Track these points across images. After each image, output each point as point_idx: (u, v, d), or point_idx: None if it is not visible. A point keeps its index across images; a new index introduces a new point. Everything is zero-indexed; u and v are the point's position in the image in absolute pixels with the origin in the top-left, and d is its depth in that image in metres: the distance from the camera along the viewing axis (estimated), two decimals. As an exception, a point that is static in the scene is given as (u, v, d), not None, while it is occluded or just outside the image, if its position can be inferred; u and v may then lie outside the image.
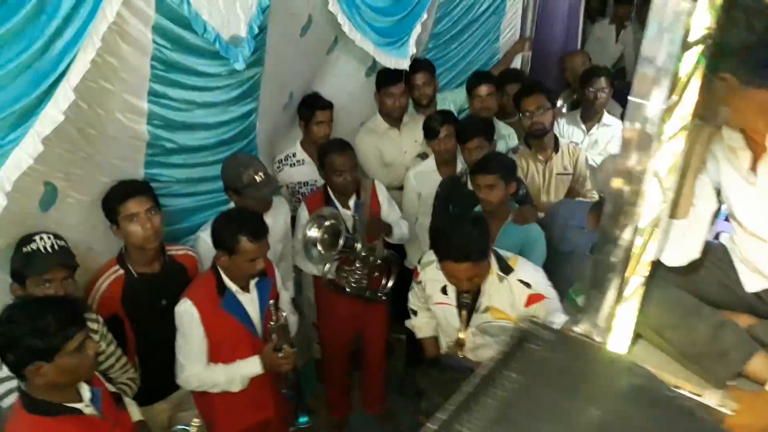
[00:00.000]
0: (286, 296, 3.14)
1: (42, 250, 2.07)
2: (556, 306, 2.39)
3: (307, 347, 3.75)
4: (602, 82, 3.84)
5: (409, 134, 3.73)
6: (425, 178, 3.42)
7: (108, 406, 1.90)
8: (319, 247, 2.95)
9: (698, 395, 1.46)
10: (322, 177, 3.24)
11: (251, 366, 2.47)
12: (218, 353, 2.46)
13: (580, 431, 0.89)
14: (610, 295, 1.37)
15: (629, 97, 1.12)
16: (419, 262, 2.61)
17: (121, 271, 2.49)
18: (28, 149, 1.79)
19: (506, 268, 2.38)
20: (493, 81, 3.78)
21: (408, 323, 2.85)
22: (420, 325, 2.78)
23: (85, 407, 1.79)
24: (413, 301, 2.76)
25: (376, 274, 3.20)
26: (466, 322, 2.38)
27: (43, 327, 1.65)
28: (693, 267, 1.59)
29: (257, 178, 2.69)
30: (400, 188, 3.66)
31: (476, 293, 2.38)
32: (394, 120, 3.69)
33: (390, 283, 3.24)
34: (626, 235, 1.31)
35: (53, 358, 1.67)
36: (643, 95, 1.10)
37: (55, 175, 2.19)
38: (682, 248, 1.53)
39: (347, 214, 3.08)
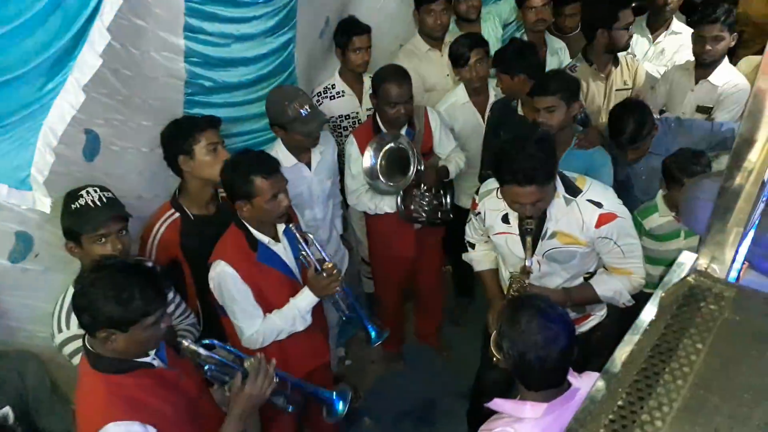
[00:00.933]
0: (335, 233, 3.08)
1: (91, 204, 1.97)
2: (629, 225, 2.25)
3: (357, 283, 3.69)
4: None
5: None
6: (457, 112, 3.21)
7: (171, 357, 1.86)
8: (381, 178, 2.82)
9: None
10: (367, 107, 3.04)
11: (305, 298, 2.37)
12: (265, 306, 2.36)
13: None
14: (734, 224, 1.22)
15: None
16: (476, 193, 2.46)
17: (177, 215, 2.43)
18: (69, 98, 1.68)
19: (574, 190, 2.22)
20: None
21: (465, 257, 2.73)
22: (479, 258, 2.65)
23: (153, 360, 1.75)
24: (471, 233, 2.63)
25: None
26: (532, 250, 2.25)
27: (127, 298, 1.58)
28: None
29: (303, 112, 2.54)
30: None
31: (542, 219, 2.23)
32: (436, 40, 3.43)
33: (449, 200, 3.10)
34: (757, 155, 1.14)
35: (128, 329, 1.61)
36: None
37: (94, 122, 2.08)
38: None
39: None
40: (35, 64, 1.66)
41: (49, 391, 2.12)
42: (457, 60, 3.10)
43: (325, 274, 2.34)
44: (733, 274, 1.36)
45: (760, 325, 0.85)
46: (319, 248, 2.42)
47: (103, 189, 2.04)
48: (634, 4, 3.20)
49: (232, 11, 2.29)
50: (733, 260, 1.25)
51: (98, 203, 1.98)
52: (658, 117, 3.00)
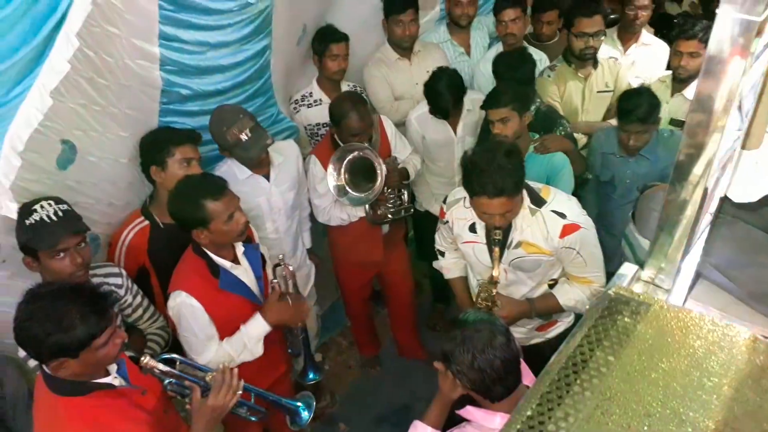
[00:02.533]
0: (301, 247, 3.07)
1: (47, 219, 1.90)
2: (591, 236, 2.29)
3: (334, 288, 3.70)
4: None
5: (421, 64, 3.50)
6: (428, 122, 3.23)
7: (134, 374, 1.84)
8: (352, 191, 2.83)
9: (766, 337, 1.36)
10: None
11: (257, 326, 2.29)
12: (226, 331, 2.29)
13: (699, 428, 0.74)
14: (680, 236, 1.25)
15: (717, 10, 0.96)
16: (444, 202, 2.50)
17: (146, 222, 2.43)
18: (35, 104, 1.68)
19: (538, 200, 2.27)
20: (522, 4, 3.51)
21: (436, 264, 2.77)
22: (448, 266, 2.70)
23: (114, 379, 1.73)
24: (440, 241, 2.67)
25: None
26: (499, 259, 2.29)
27: (68, 326, 1.53)
28: (763, 199, 1.46)
29: (243, 137, 2.48)
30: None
31: (507, 228, 2.28)
32: (404, 50, 3.47)
33: (407, 197, 3.13)
34: (700, 169, 1.17)
35: (78, 354, 1.57)
36: (734, 5, 0.94)
37: (72, 133, 2.08)
38: (752, 183, 1.40)
39: None
40: (2, 70, 1.66)
41: (26, 397, 2.08)
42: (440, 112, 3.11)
43: (290, 301, 2.31)
44: (682, 285, 1.40)
45: (671, 339, 0.88)
46: (291, 270, 2.41)
47: (58, 201, 1.98)
48: (598, 15, 3.22)
49: (206, 19, 2.29)
50: (678, 271, 1.29)
51: (54, 218, 1.92)
52: None
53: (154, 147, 2.34)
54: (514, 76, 2.98)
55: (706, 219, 1.33)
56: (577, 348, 0.86)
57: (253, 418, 2.17)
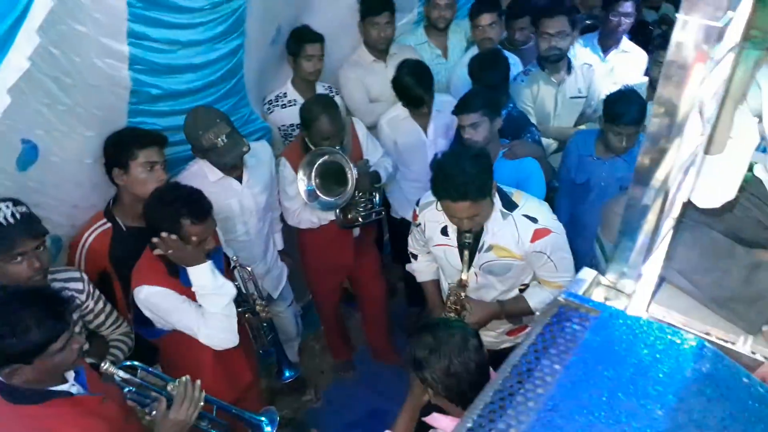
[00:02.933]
0: (272, 248, 3.04)
1: (3, 222, 1.84)
2: (562, 241, 2.30)
3: (306, 291, 3.67)
4: (629, 6, 3.57)
5: (396, 67, 3.50)
6: (399, 126, 3.24)
7: (93, 381, 1.80)
8: (323, 196, 2.81)
9: (730, 342, 1.37)
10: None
11: (193, 275, 2.13)
12: None
13: None
14: (641, 240, 1.25)
15: (677, 14, 0.96)
16: (417, 205, 2.49)
17: (109, 225, 2.37)
18: (-8, 102, 1.63)
19: (510, 204, 2.27)
20: (497, 9, 3.54)
21: (409, 267, 2.77)
22: (421, 269, 2.70)
23: (71, 387, 1.69)
24: (412, 244, 2.67)
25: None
26: (469, 263, 2.29)
27: (22, 330, 1.49)
28: (727, 204, 1.47)
29: (219, 142, 2.44)
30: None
31: (479, 232, 2.28)
32: (380, 52, 3.47)
33: (378, 197, 3.10)
34: (661, 174, 1.17)
35: (32, 360, 1.53)
36: (695, 11, 0.94)
37: (34, 132, 2.04)
38: (716, 187, 1.40)
39: None
40: (-41, 67, 1.62)
41: None
42: (410, 102, 3.13)
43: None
44: (645, 289, 1.40)
45: (618, 347, 0.88)
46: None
47: (16, 203, 1.92)
48: (561, 15, 3.22)
49: (177, 17, 2.26)
50: (640, 275, 1.29)
51: (11, 220, 1.86)
52: None
53: (118, 149, 2.28)
54: (488, 77, 2.99)
55: (669, 224, 1.34)
56: (523, 356, 0.85)
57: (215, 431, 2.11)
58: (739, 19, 1.08)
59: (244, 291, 2.38)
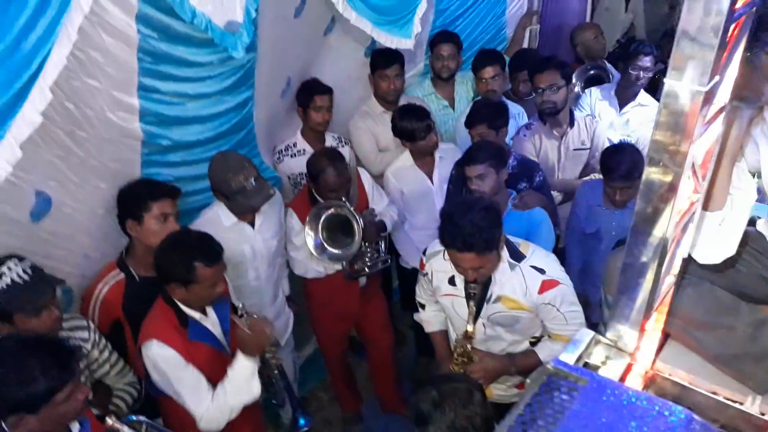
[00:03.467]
0: (281, 295, 3.05)
1: (19, 281, 1.84)
2: (570, 292, 2.28)
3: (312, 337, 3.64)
4: (648, 60, 3.59)
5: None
6: (404, 175, 3.27)
7: (97, 429, 1.79)
8: (331, 248, 2.84)
9: (738, 402, 1.34)
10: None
11: (240, 363, 2.21)
12: None
13: None
14: (641, 297, 1.24)
15: (665, 79, 0.98)
16: (424, 254, 2.49)
17: (122, 275, 2.39)
18: (5, 155, 1.66)
19: (517, 255, 2.27)
20: (500, 61, 3.61)
21: (417, 317, 2.75)
22: (428, 319, 2.67)
23: None
24: (420, 293, 2.66)
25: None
26: (476, 314, 2.27)
27: (28, 379, 1.50)
28: (729, 260, 1.46)
29: (247, 186, 2.50)
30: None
31: (486, 282, 2.26)
32: (390, 103, 3.52)
33: (384, 245, 3.10)
34: (658, 231, 1.17)
35: (38, 410, 1.53)
36: (682, 75, 0.95)
37: (47, 184, 2.07)
38: (717, 244, 1.39)
39: None
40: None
41: None
42: (406, 137, 3.17)
43: (254, 328, 2.23)
44: (648, 347, 1.38)
45: (606, 419, 0.86)
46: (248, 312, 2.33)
47: (19, 258, 1.92)
48: (551, 69, 3.26)
49: (185, 71, 2.32)
50: (642, 333, 1.27)
51: (25, 277, 1.87)
52: None
53: (132, 200, 2.32)
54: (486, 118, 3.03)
55: (670, 280, 1.33)
56: (511, 429, 0.84)
57: None
58: (728, 80, 1.10)
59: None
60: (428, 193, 3.26)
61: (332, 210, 2.81)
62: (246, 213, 2.65)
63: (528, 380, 1.00)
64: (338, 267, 2.99)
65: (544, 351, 2.35)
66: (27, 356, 1.52)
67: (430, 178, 3.26)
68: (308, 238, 2.81)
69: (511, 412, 0.89)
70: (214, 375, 2.26)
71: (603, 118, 3.74)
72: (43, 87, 1.69)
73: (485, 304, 2.29)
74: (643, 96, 3.74)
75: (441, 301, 2.45)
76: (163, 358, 2.13)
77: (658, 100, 3.57)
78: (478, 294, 2.23)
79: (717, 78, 0.98)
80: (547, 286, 2.22)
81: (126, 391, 2.30)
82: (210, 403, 2.18)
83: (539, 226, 2.77)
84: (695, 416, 0.86)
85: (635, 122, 3.70)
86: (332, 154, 2.89)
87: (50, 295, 1.92)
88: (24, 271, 1.88)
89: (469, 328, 2.26)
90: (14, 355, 1.52)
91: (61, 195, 2.14)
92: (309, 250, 2.86)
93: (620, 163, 2.80)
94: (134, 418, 1.90)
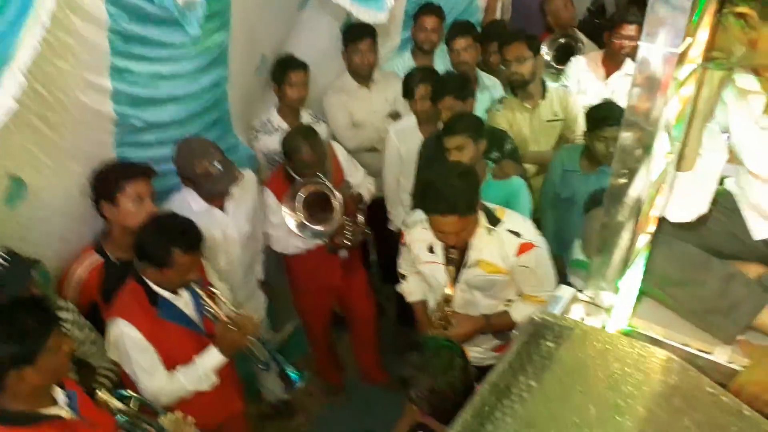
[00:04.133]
0: (252, 279, 3.05)
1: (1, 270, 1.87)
2: (545, 255, 2.36)
3: (294, 314, 3.67)
4: (632, 29, 3.54)
5: (380, 92, 3.57)
6: (406, 136, 3.29)
7: (86, 407, 1.81)
8: (312, 226, 2.86)
9: (707, 353, 1.41)
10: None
11: (211, 357, 2.28)
12: (168, 362, 2.27)
13: None
14: (617, 256, 1.30)
15: (639, 42, 1.02)
16: (404, 224, 2.54)
17: (99, 259, 2.38)
18: (-19, 143, 1.65)
19: (494, 220, 2.33)
20: (473, 33, 3.60)
21: (398, 288, 2.80)
22: (410, 290, 2.72)
23: (63, 411, 1.71)
24: (402, 265, 2.71)
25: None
26: (454, 278, 2.33)
27: (21, 330, 1.57)
28: (700, 218, 1.52)
29: (212, 170, 2.50)
30: (371, 150, 3.56)
31: (464, 248, 2.32)
32: (363, 78, 3.53)
33: (362, 218, 3.13)
34: (633, 192, 1.22)
35: (34, 359, 1.58)
36: (655, 38, 0.99)
37: (21, 169, 2.05)
38: (688, 203, 1.45)
39: None
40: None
41: None
42: (406, 92, 3.20)
43: (233, 328, 2.28)
44: (625, 303, 1.44)
45: (591, 363, 0.92)
46: (226, 301, 2.36)
47: None
48: (517, 41, 3.30)
49: (159, 51, 2.29)
50: (618, 290, 1.33)
51: (3, 263, 1.88)
52: None
53: (105, 182, 2.30)
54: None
55: (644, 239, 1.38)
56: (501, 374, 0.88)
57: None
58: (699, 42, 1.14)
59: (223, 316, 2.35)
60: None
61: (309, 187, 2.82)
62: (214, 197, 2.64)
63: (515, 330, 1.05)
64: (317, 241, 3.01)
65: (516, 311, 2.43)
66: (10, 314, 1.61)
67: None
68: (288, 217, 2.82)
69: (502, 360, 0.94)
70: (184, 353, 2.30)
71: (589, 88, 3.73)
72: (16, 72, 1.67)
73: (463, 269, 2.35)
74: (630, 65, 3.67)
75: (421, 270, 2.51)
76: (125, 338, 2.15)
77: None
78: (456, 259, 2.28)
79: (689, 39, 1.02)
80: (523, 248, 2.30)
81: (110, 369, 2.31)
82: (164, 384, 2.22)
83: (518, 195, 2.83)
84: (674, 357, 0.92)
85: (621, 93, 3.63)
86: (306, 131, 2.89)
87: (29, 277, 1.93)
88: (2, 257, 1.88)
89: (448, 291, 2.31)
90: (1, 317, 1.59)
91: (35, 179, 2.12)
92: (288, 227, 2.87)
93: (612, 110, 2.84)
94: (123, 392, 1.91)
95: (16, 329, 1.57)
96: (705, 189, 1.45)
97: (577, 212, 3.06)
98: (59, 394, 1.74)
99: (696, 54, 1.15)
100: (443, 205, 2.11)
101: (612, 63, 3.74)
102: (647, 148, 1.13)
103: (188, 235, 2.16)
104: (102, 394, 1.83)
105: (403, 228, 2.54)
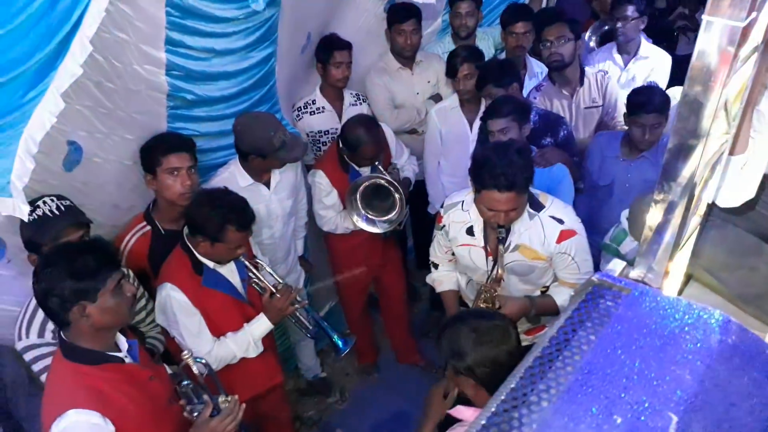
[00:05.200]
0: (293, 253, 3.12)
1: (49, 214, 1.99)
2: (584, 242, 2.35)
3: (331, 293, 3.74)
4: (630, 10, 3.54)
5: (422, 74, 3.58)
6: (446, 116, 3.30)
7: (144, 358, 1.90)
8: (379, 219, 2.98)
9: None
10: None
11: (260, 325, 2.38)
12: (212, 329, 2.36)
13: (671, 399, 0.79)
14: (668, 236, 1.29)
15: (703, 16, 1.01)
16: (442, 206, 2.54)
17: (148, 228, 2.47)
18: (49, 107, 1.73)
19: (537, 205, 2.32)
20: (531, 17, 3.55)
21: (428, 278, 2.79)
22: (441, 279, 2.70)
23: (124, 357, 1.79)
24: (435, 252, 2.67)
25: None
26: (501, 255, 2.30)
27: (83, 267, 1.65)
28: (750, 202, 1.50)
29: (287, 139, 2.58)
30: (411, 132, 3.58)
31: (505, 231, 2.31)
32: (406, 59, 3.53)
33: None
34: (687, 171, 1.21)
35: (96, 297, 1.66)
36: (719, 12, 0.98)
37: (78, 134, 2.14)
38: (738, 187, 1.44)
39: (365, 171, 3.02)
40: (17, 74, 1.70)
41: (27, 380, 2.18)
42: (449, 70, 3.22)
43: (279, 296, 2.37)
44: (672, 286, 1.44)
45: (649, 321, 0.93)
46: (271, 272, 2.45)
47: (60, 198, 2.06)
48: (559, 22, 3.25)
49: (212, 26, 2.34)
50: (667, 272, 1.32)
51: (56, 212, 2.00)
52: None
53: (146, 156, 2.37)
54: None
55: (695, 221, 1.37)
56: (561, 329, 0.91)
57: None
58: (762, 19, 1.12)
59: (268, 286, 2.44)
60: (464, 139, 3.28)
61: (370, 183, 2.92)
62: (263, 173, 2.73)
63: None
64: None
65: (560, 296, 2.42)
66: (76, 252, 1.69)
67: (471, 125, 3.27)
68: (357, 219, 2.95)
69: (560, 317, 0.96)
70: (228, 321, 2.38)
71: (611, 72, 3.68)
72: (83, 39, 1.74)
73: (503, 253, 2.35)
74: (645, 48, 3.70)
75: (457, 252, 2.50)
76: (173, 301, 2.24)
77: (672, 52, 3.53)
78: (505, 238, 2.27)
79: (754, 14, 1.01)
80: (565, 235, 2.28)
81: (157, 339, 2.40)
82: (211, 349, 2.30)
83: (560, 183, 2.81)
84: (732, 318, 0.92)
85: (641, 77, 3.66)
86: (368, 123, 2.93)
87: (72, 232, 2.03)
88: (57, 208, 2.01)
89: (500, 271, 2.30)
90: (66, 255, 1.68)
91: (90, 145, 2.21)
92: (338, 206, 2.98)
93: (652, 96, 2.80)
94: (201, 359, 1.98)
95: (77, 267, 1.64)
96: (755, 172, 1.44)
97: (615, 200, 3.03)
98: (122, 341, 1.83)
99: (761, 30, 1.13)
100: (502, 180, 2.08)
101: (626, 48, 3.70)
102: (705, 127, 1.12)
103: (243, 214, 2.24)
104: (187, 358, 1.88)
105: (441, 210, 2.55)
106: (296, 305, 2.42)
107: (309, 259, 3.35)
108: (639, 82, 3.61)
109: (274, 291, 2.38)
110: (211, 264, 2.32)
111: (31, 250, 2.02)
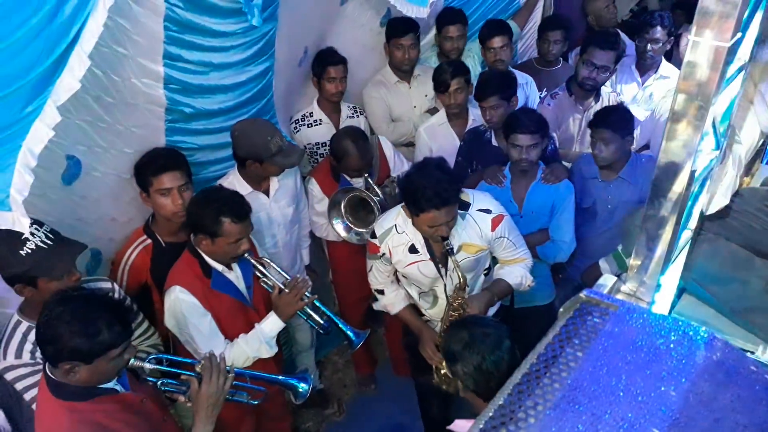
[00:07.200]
0: (299, 262, 3.15)
1: (44, 246, 1.88)
2: (511, 220, 2.48)
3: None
4: (657, 32, 3.52)
5: (420, 88, 3.60)
6: (436, 132, 3.33)
7: (133, 382, 1.89)
8: (357, 228, 2.98)
9: (750, 351, 1.41)
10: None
11: (271, 323, 2.38)
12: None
13: (657, 415, 0.80)
14: (659, 251, 1.30)
15: (689, 36, 1.03)
16: (373, 237, 2.52)
17: (149, 241, 2.48)
18: (46, 119, 1.74)
19: (464, 205, 2.41)
20: (508, 31, 3.58)
21: (376, 306, 2.79)
22: (391, 302, 2.69)
23: (116, 385, 1.78)
24: (375, 280, 2.66)
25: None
26: (457, 266, 2.34)
27: (93, 332, 1.60)
28: (743, 216, 1.52)
29: (283, 146, 2.61)
30: (408, 144, 3.58)
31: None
32: (404, 73, 3.56)
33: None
34: (678, 187, 1.23)
35: (93, 361, 1.63)
36: (705, 32, 1.00)
37: (77, 148, 2.15)
38: (715, 194, 1.46)
39: (358, 182, 3.04)
40: (16, 88, 1.72)
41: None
42: (438, 86, 3.21)
43: (287, 290, 2.37)
44: (664, 299, 1.45)
45: (635, 337, 0.94)
46: (279, 269, 2.47)
47: (38, 223, 1.93)
48: (612, 52, 3.25)
49: (210, 40, 2.36)
50: (658, 286, 1.34)
51: (49, 243, 1.90)
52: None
53: (139, 174, 2.38)
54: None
55: (687, 235, 1.39)
56: (549, 345, 0.92)
57: (255, 402, 2.19)
58: (750, 37, 1.14)
59: (275, 283, 2.45)
60: (455, 153, 3.28)
61: (350, 196, 2.94)
62: (273, 174, 2.75)
63: (561, 309, 1.08)
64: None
65: (509, 276, 2.53)
66: (95, 310, 1.63)
67: (461, 138, 3.29)
68: (337, 226, 2.96)
69: (548, 334, 0.97)
70: (234, 326, 2.39)
71: (625, 93, 3.70)
72: (81, 54, 1.75)
73: (450, 257, 2.37)
74: (665, 67, 3.67)
75: (405, 272, 2.53)
76: (182, 303, 2.25)
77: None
78: (452, 248, 2.33)
79: (739, 35, 1.03)
80: (496, 222, 2.43)
81: (148, 353, 2.38)
82: (223, 350, 2.28)
83: (565, 199, 2.84)
84: (717, 335, 0.94)
85: (658, 95, 3.64)
86: (355, 135, 2.95)
87: (73, 259, 1.98)
88: (47, 237, 1.92)
89: (461, 279, 2.35)
90: (83, 308, 1.62)
91: (89, 159, 2.22)
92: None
93: (609, 113, 2.85)
94: (155, 356, 1.94)
95: (91, 328, 1.59)
96: (729, 181, 1.46)
97: (599, 222, 3.01)
98: None
99: (747, 49, 1.15)
100: (437, 200, 2.16)
101: (645, 66, 3.71)
102: (693, 142, 1.14)
103: (236, 205, 2.26)
104: (133, 361, 1.82)
105: (373, 241, 2.52)
106: (306, 300, 2.41)
107: (315, 269, 3.36)
108: (655, 101, 3.61)
109: (283, 287, 2.38)
110: (219, 267, 2.36)
111: (25, 282, 1.92)
